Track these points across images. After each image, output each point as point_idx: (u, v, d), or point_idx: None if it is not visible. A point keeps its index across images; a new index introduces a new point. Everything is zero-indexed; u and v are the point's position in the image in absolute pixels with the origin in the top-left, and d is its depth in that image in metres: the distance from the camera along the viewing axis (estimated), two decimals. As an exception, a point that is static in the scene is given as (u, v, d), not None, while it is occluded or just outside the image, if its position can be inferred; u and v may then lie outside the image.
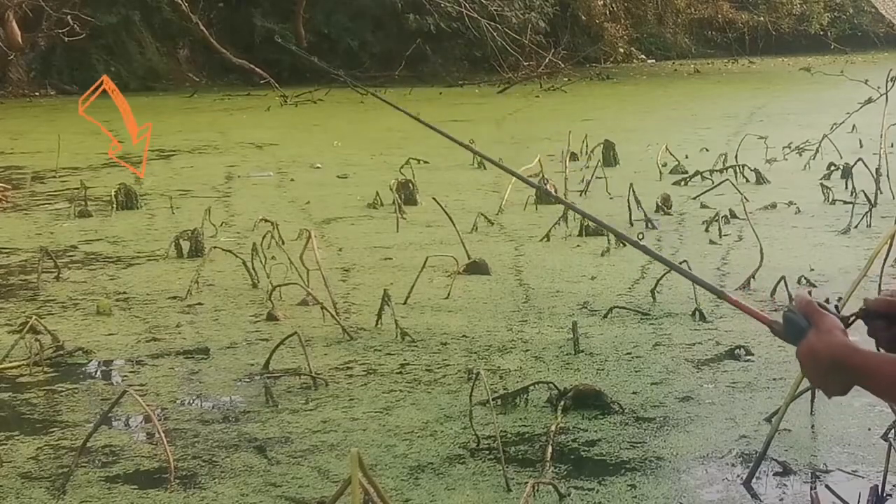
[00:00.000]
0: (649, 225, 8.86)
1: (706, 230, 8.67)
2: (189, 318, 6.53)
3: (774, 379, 5.21)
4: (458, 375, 5.38)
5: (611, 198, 10.10)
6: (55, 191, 11.40)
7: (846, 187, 10.10)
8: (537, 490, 4.02)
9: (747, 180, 10.90)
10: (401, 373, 5.47)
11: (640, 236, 1.95)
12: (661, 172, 11.49)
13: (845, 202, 9.44)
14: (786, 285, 6.51)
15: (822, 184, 10.15)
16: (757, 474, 4.17)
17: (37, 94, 24.02)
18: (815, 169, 11.44)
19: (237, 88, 24.47)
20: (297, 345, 5.53)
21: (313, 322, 6.34)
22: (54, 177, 12.20)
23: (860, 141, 12.60)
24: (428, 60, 28.02)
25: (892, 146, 11.39)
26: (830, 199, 9.70)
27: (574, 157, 12.06)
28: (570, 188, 9.85)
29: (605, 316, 6.31)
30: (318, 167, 12.76)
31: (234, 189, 11.40)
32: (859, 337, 1.97)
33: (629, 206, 9.04)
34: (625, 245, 8.21)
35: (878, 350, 1.95)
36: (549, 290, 6.97)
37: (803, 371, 1.98)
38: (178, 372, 5.57)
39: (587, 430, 4.65)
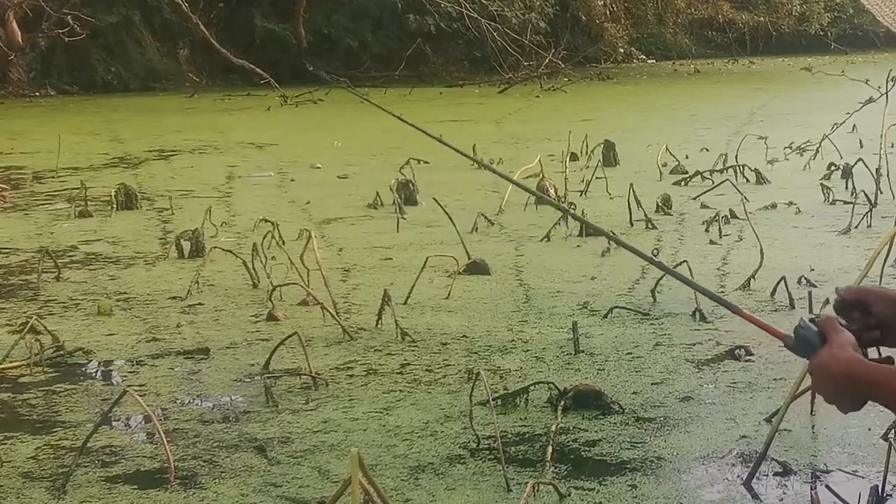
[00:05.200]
0: (649, 225, 8.86)
1: (706, 230, 8.67)
2: (189, 319, 6.53)
3: (775, 379, 5.21)
4: (458, 375, 5.38)
5: (611, 198, 10.10)
6: (55, 191, 11.39)
7: (846, 187, 10.10)
8: (537, 490, 4.02)
9: (747, 180, 10.90)
10: (401, 373, 5.47)
11: (655, 252, 1.92)
12: (661, 172, 11.49)
13: (845, 202, 9.44)
14: (786, 285, 6.51)
15: (822, 184, 10.15)
16: (757, 474, 4.17)
17: (37, 94, 24.01)
18: (816, 169, 11.43)
19: (237, 88, 24.47)
20: (297, 345, 5.53)
21: (313, 322, 6.34)
22: (54, 177, 12.19)
23: (860, 141, 12.60)
24: (428, 60, 28.02)
25: (892, 146, 11.38)
26: (830, 199, 9.70)
27: (574, 157, 12.06)
28: (571, 188, 9.84)
29: (606, 316, 6.31)
30: (318, 167, 12.77)
31: (235, 189, 11.40)
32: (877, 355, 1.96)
33: (629, 207, 9.04)
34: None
35: (863, 351, 1.95)
36: (549, 290, 6.97)
37: (814, 387, 1.98)
38: (178, 372, 5.58)
39: (587, 431, 4.65)
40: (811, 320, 1.96)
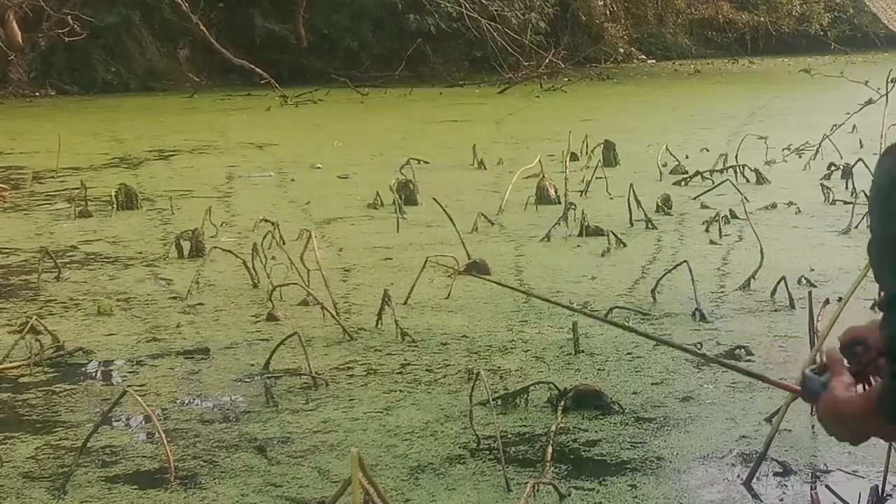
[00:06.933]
0: (649, 225, 8.86)
1: (706, 230, 8.67)
2: (189, 319, 6.53)
3: (775, 379, 5.20)
4: (458, 375, 5.38)
5: (611, 198, 10.10)
6: (55, 191, 11.39)
7: (846, 187, 10.10)
8: (537, 490, 4.02)
9: (747, 180, 10.89)
10: (401, 373, 5.47)
11: (699, 346, 1.89)
12: (661, 172, 11.49)
13: (845, 202, 9.44)
14: (786, 285, 6.51)
15: (822, 184, 10.15)
16: (757, 474, 4.17)
17: (37, 94, 24.01)
18: (816, 169, 11.43)
19: (237, 88, 24.46)
20: (297, 345, 5.53)
21: (313, 322, 6.35)
22: (54, 177, 12.19)
23: (860, 141, 12.60)
24: (428, 60, 28.01)
25: (892, 146, 11.36)
26: (830, 200, 9.70)
27: (574, 157, 12.05)
28: (571, 188, 9.84)
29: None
30: (318, 167, 12.77)
31: (235, 189, 11.39)
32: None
33: (629, 207, 9.05)
34: (625, 245, 8.21)
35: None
36: (549, 290, 6.97)
37: (826, 430, 2.03)
38: (178, 372, 5.58)
39: (587, 431, 4.65)
40: (813, 371, 2.00)
